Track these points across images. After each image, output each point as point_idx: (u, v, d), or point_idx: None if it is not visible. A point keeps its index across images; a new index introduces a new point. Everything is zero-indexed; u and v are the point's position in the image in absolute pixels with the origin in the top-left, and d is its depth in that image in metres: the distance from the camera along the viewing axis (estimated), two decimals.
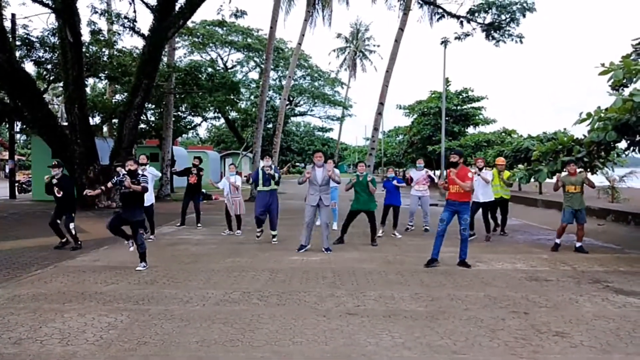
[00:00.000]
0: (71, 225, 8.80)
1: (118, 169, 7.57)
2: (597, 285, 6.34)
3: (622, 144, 9.67)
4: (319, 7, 29.38)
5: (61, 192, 8.71)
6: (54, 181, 8.73)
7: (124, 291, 5.92)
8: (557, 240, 9.14)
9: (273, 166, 9.64)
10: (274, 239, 9.49)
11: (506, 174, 10.77)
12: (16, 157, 26.29)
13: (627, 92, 9.31)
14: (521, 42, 21.50)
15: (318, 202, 8.62)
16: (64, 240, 8.94)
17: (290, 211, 14.95)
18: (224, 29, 36.21)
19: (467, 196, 7.47)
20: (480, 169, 10.24)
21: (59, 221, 8.89)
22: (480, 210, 10.27)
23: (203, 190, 20.37)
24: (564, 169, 9.25)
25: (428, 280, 6.60)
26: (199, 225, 11.63)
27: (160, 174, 10.44)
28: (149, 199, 9.83)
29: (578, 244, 9.00)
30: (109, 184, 7.63)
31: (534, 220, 13.76)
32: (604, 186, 18.51)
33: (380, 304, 5.46)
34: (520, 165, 11.08)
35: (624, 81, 8.61)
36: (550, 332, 4.55)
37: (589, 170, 9.91)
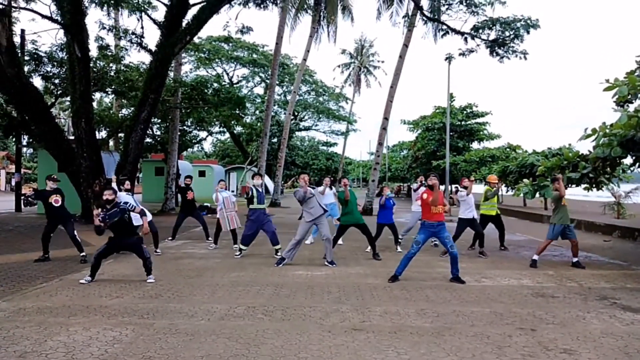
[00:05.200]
0: (75, 233, 8.94)
1: (105, 192, 7.41)
2: (604, 302, 6.29)
3: (628, 160, 9.66)
4: (324, 24, 29.74)
5: (59, 202, 8.90)
6: (54, 186, 8.99)
7: (128, 305, 5.92)
8: (536, 257, 9.01)
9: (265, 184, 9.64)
10: (278, 253, 9.40)
11: (487, 189, 10.76)
12: (22, 170, 26.43)
13: (632, 108, 9.33)
14: (525, 58, 21.60)
15: (317, 217, 8.70)
16: (47, 255, 9.05)
17: (295, 225, 14.89)
18: (230, 44, 36.64)
19: (443, 217, 7.53)
20: (465, 188, 10.40)
21: (51, 235, 9.08)
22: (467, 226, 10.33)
23: (207, 204, 20.46)
24: (552, 186, 9.18)
25: (433, 296, 6.56)
26: (209, 239, 11.57)
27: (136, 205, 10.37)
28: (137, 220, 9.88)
29: (574, 259, 8.95)
30: (99, 221, 6.98)
31: (539, 236, 13.66)
32: (610, 202, 18.44)
33: (386, 319, 5.43)
34: (525, 180, 11.01)
35: (629, 97, 8.64)
36: (558, 349, 4.51)
37: (594, 186, 9.89)
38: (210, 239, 11.49)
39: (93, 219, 7.18)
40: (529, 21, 20.79)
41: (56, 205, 8.90)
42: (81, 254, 8.97)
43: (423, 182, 11.46)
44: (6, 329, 4.94)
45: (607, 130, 8.77)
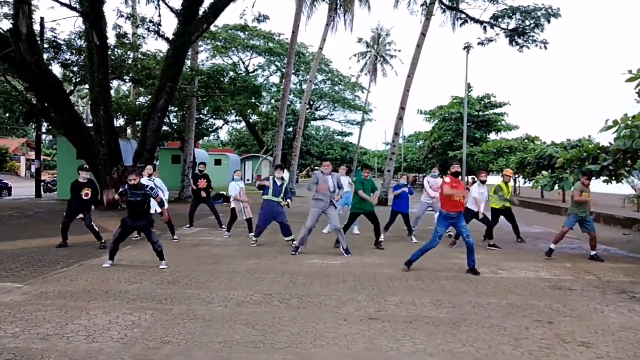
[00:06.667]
0: (92, 223, 9.09)
1: (130, 177, 7.63)
2: (622, 296, 6.22)
3: None
4: (340, 12, 29.54)
5: (89, 195, 9.01)
6: (86, 177, 9.16)
7: (147, 290, 6.01)
8: (552, 246, 8.98)
9: (285, 184, 9.59)
10: (294, 243, 9.38)
11: (503, 187, 10.54)
12: (42, 157, 26.85)
13: None
14: (545, 47, 21.23)
15: (327, 207, 8.74)
16: (67, 241, 9.17)
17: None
18: (246, 33, 36.56)
19: (462, 205, 7.45)
20: (483, 182, 10.28)
21: (70, 225, 9.21)
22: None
23: (222, 192, 20.60)
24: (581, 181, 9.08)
25: (449, 286, 6.55)
26: (222, 226, 11.65)
27: (165, 188, 10.52)
28: (153, 207, 9.98)
29: (592, 252, 8.85)
30: (119, 194, 7.65)
31: (557, 228, 13.49)
32: (630, 195, 18.15)
33: (401, 309, 5.44)
34: (544, 172, 10.88)
35: None
36: (575, 342, 4.48)
37: (614, 178, 9.74)
38: (223, 227, 11.57)
39: (105, 199, 7.40)
40: (549, 10, 20.41)
41: (85, 198, 9.04)
42: (100, 242, 9.09)
43: (424, 175, 11.35)
44: (29, 311, 5.06)
45: (629, 122, 8.61)
